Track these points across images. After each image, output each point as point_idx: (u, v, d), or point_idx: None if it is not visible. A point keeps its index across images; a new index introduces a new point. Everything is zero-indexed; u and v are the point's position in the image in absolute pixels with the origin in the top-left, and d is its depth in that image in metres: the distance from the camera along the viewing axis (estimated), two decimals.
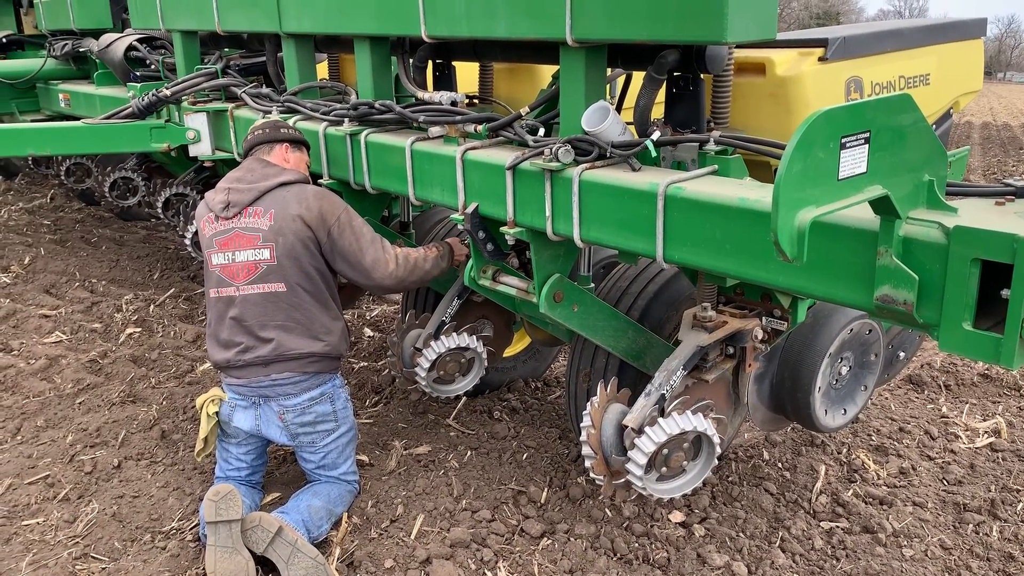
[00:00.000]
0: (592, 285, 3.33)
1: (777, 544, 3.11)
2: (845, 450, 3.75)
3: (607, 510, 3.24)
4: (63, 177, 6.91)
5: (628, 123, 2.60)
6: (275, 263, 3.03)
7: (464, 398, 4.08)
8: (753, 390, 3.00)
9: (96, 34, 5.89)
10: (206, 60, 4.59)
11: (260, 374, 3.08)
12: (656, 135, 2.47)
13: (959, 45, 3.55)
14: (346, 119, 3.34)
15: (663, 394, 2.54)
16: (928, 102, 3.29)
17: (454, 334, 3.44)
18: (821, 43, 2.85)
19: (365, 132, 3.25)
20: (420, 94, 3.27)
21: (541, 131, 2.78)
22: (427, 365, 3.41)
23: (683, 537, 3.11)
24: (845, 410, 3.15)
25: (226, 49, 4.77)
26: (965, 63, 3.64)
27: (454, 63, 3.59)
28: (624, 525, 3.17)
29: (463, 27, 2.78)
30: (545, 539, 3.10)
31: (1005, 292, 1.66)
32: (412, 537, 3.08)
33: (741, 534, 3.15)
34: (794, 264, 1.68)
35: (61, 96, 6.09)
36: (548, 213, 2.54)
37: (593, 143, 2.46)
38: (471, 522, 3.17)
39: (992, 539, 3.17)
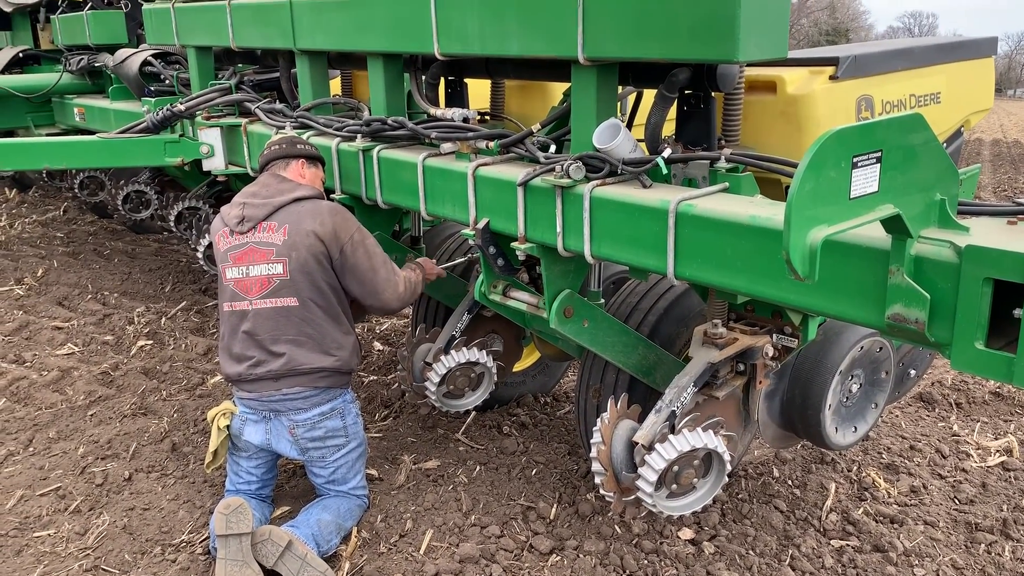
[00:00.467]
0: (602, 301, 3.34)
1: (787, 562, 3.09)
2: (855, 468, 3.74)
3: (616, 527, 3.23)
4: (77, 190, 6.98)
5: (639, 140, 2.61)
6: (288, 278, 3.05)
7: (473, 413, 4.08)
8: (763, 407, 3.00)
9: (111, 49, 5.96)
10: (220, 76, 4.64)
11: (271, 388, 3.09)
12: (667, 152, 2.48)
13: (970, 64, 3.56)
14: (359, 135, 3.37)
15: (674, 411, 2.54)
16: (939, 120, 3.29)
17: (464, 348, 3.45)
18: (832, 62, 2.87)
19: (378, 148, 3.27)
20: (432, 111, 3.29)
21: (552, 148, 2.80)
22: (437, 379, 3.41)
23: (693, 554, 3.10)
24: (855, 428, 3.14)
25: (240, 65, 4.82)
26: (976, 82, 3.64)
27: (466, 80, 3.61)
28: (633, 542, 3.16)
29: (476, 45, 2.81)
30: (554, 555, 3.09)
31: (1017, 311, 1.66)
32: (421, 552, 3.08)
33: (751, 552, 3.14)
34: (806, 282, 1.68)
35: (76, 110, 6.15)
36: (559, 229, 2.55)
37: (604, 160, 2.48)
38: (480, 537, 3.17)
39: (1004, 559, 3.15)
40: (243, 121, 4.16)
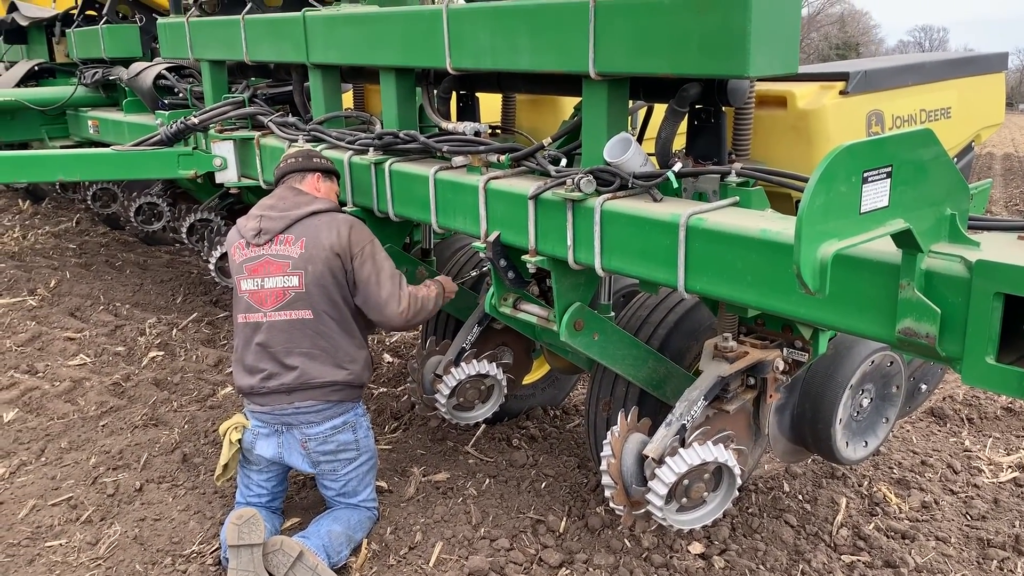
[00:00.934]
0: (612, 314, 3.35)
1: None
2: (866, 483, 3.72)
3: (626, 540, 3.23)
4: (89, 202, 7.03)
5: (650, 154, 2.62)
6: (303, 290, 3.07)
7: (483, 425, 4.09)
8: (774, 421, 3.00)
9: (126, 63, 6.01)
10: (233, 89, 4.67)
11: (283, 402, 3.10)
12: (678, 166, 2.49)
13: (980, 79, 3.57)
14: (371, 148, 3.39)
15: (684, 424, 2.54)
16: (949, 135, 3.30)
17: (474, 361, 3.46)
18: (842, 76, 2.88)
19: (389, 161, 3.29)
20: (444, 124, 3.31)
21: (563, 161, 2.82)
22: (447, 392, 3.42)
23: (703, 568, 3.09)
24: (866, 442, 3.13)
25: (253, 78, 4.86)
26: (986, 97, 3.65)
27: (477, 94, 3.64)
28: (643, 556, 3.15)
29: (488, 60, 2.83)
30: (564, 569, 3.09)
31: None
32: (431, 565, 3.08)
33: (761, 566, 3.13)
34: (816, 296, 1.69)
35: (90, 123, 6.21)
36: (569, 242, 2.57)
37: (615, 174, 2.49)
38: (489, 550, 3.17)
39: (1017, 575, 3.13)
40: (256, 134, 4.19)
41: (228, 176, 4.40)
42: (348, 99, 4.43)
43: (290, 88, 4.44)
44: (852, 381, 2.93)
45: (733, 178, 2.45)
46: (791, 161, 2.78)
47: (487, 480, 3.68)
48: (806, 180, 1.67)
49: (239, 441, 3.17)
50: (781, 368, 2.72)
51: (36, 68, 7.28)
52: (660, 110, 2.72)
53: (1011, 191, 14.54)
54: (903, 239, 1.77)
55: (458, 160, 3.05)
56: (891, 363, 3.05)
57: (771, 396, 2.81)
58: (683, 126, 2.66)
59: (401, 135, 3.31)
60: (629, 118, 2.89)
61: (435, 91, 3.51)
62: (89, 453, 3.89)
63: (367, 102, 4.48)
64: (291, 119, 4.07)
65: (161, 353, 5.13)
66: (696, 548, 3.20)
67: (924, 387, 3.43)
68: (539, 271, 2.82)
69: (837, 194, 1.63)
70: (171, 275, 6.85)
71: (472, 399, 3.53)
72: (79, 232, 8.22)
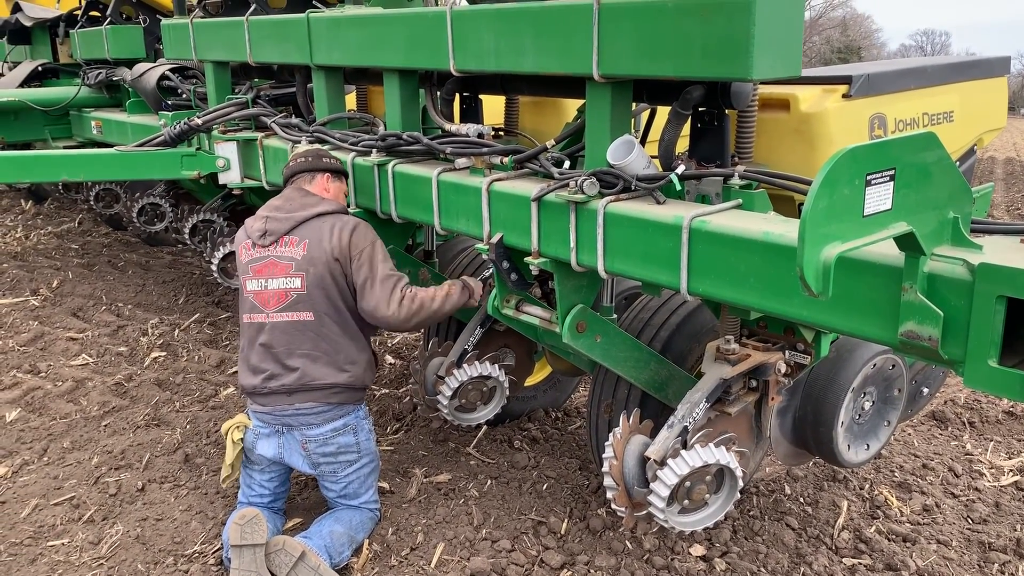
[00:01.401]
0: (615, 316, 3.35)
1: None
2: (868, 486, 3.72)
3: (628, 542, 3.23)
4: (92, 202, 7.04)
5: (653, 157, 2.63)
6: (305, 292, 3.07)
7: (485, 427, 4.09)
8: (776, 424, 3.00)
9: (129, 64, 6.03)
10: (237, 90, 4.69)
11: (284, 403, 3.11)
12: (681, 169, 2.50)
13: (983, 83, 3.57)
14: (374, 149, 3.40)
15: (686, 426, 2.54)
16: (952, 139, 3.30)
17: (476, 362, 3.46)
18: (845, 80, 2.88)
19: (393, 162, 3.30)
20: (447, 126, 3.32)
21: (566, 164, 2.82)
22: (449, 393, 3.43)
23: (704, 571, 3.10)
24: (868, 445, 3.14)
25: (256, 79, 4.87)
26: (989, 101, 3.65)
27: (481, 96, 3.64)
28: (645, 558, 3.16)
29: (491, 62, 2.84)
30: (565, 570, 3.09)
31: None
32: (432, 566, 3.08)
33: (762, 569, 3.13)
34: (819, 299, 1.69)
35: (93, 123, 6.22)
36: (572, 244, 2.57)
37: (618, 176, 2.49)
38: (491, 552, 3.17)
39: None
40: (259, 135, 4.20)
41: (231, 177, 4.41)
42: (351, 100, 4.44)
43: (293, 89, 4.45)
44: (854, 384, 2.93)
45: (736, 181, 2.45)
46: (794, 164, 2.78)
47: (489, 481, 3.68)
48: (809, 183, 1.68)
49: (241, 440, 3.18)
50: (783, 371, 2.73)
51: (40, 69, 7.29)
52: (663, 112, 2.72)
53: (1013, 195, 14.53)
54: (906, 242, 1.78)
55: (461, 162, 3.05)
56: (893, 366, 3.05)
57: (773, 399, 2.81)
58: (686, 129, 2.67)
59: (404, 137, 3.31)
60: (632, 120, 2.89)
61: (438, 93, 3.52)
62: (91, 453, 3.90)
63: (370, 104, 4.49)
64: (294, 120, 4.07)
65: (163, 353, 5.14)
66: (697, 550, 3.20)
67: (926, 390, 3.43)
68: (542, 273, 2.82)
69: (840, 197, 1.63)
70: (173, 276, 6.86)
71: (474, 400, 3.54)
72: (81, 232, 8.23)
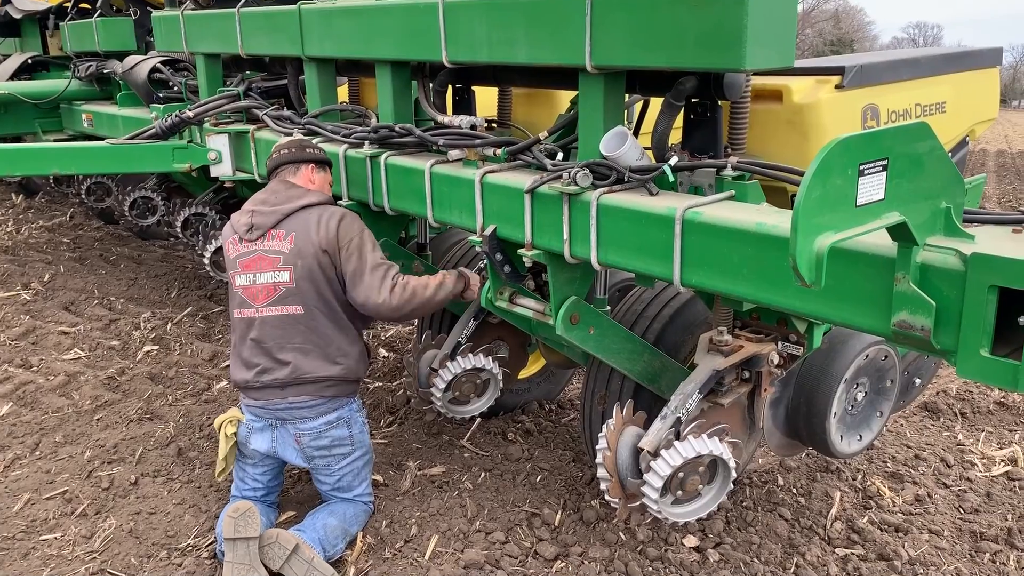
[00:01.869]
0: (608, 308, 3.35)
1: (792, 570, 3.09)
2: (860, 476, 3.74)
3: (621, 533, 3.24)
4: (84, 196, 7.01)
5: (646, 148, 2.63)
6: (294, 285, 3.06)
7: (479, 419, 4.09)
8: (768, 415, 3.01)
9: (120, 56, 5.99)
10: (228, 82, 4.66)
11: (277, 397, 3.10)
12: (674, 160, 2.50)
13: (975, 74, 3.58)
14: (366, 142, 3.39)
15: (679, 417, 2.55)
16: (944, 130, 3.30)
17: (470, 355, 3.46)
18: (838, 71, 2.88)
19: (385, 154, 3.29)
20: (440, 118, 3.31)
21: (559, 155, 2.82)
22: (443, 385, 3.43)
23: (697, 562, 3.11)
24: (860, 436, 3.15)
25: (248, 72, 4.85)
26: (981, 92, 3.66)
27: (473, 87, 3.63)
28: (638, 549, 3.16)
29: (484, 53, 2.83)
30: (559, 562, 3.10)
31: (1022, 319, 1.67)
32: (426, 558, 3.09)
33: (755, 560, 3.14)
34: (812, 289, 1.69)
35: (84, 116, 6.18)
36: (566, 236, 2.57)
37: (611, 167, 2.49)
38: (485, 544, 3.17)
39: (1009, 568, 3.15)
40: (251, 128, 4.18)
41: (223, 170, 4.39)
42: (343, 93, 4.42)
43: (285, 81, 4.43)
44: (847, 375, 2.94)
45: (729, 172, 2.45)
46: (787, 155, 2.78)
47: (483, 474, 3.68)
48: (802, 174, 1.68)
49: (234, 435, 3.17)
50: (776, 362, 2.73)
51: (29, 61, 7.24)
52: (656, 104, 2.72)
53: (1004, 187, 14.59)
54: (898, 232, 1.78)
55: (454, 154, 3.05)
56: (885, 357, 3.06)
57: (766, 390, 2.82)
58: (679, 120, 2.66)
59: (397, 128, 3.30)
60: (625, 112, 2.89)
61: (431, 84, 3.50)
62: (84, 447, 3.89)
63: (362, 96, 4.47)
64: (286, 112, 4.06)
65: (156, 347, 5.12)
66: (691, 541, 3.21)
67: (918, 381, 3.45)
68: (535, 265, 2.82)
69: (833, 187, 1.63)
70: (166, 269, 6.84)
71: (468, 393, 3.54)
72: (73, 226, 8.20)
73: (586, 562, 3.09)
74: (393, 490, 3.55)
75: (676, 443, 2.47)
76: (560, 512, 3.39)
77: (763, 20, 2.09)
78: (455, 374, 3.43)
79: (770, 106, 2.89)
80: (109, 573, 3.03)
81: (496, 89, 3.75)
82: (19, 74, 7.11)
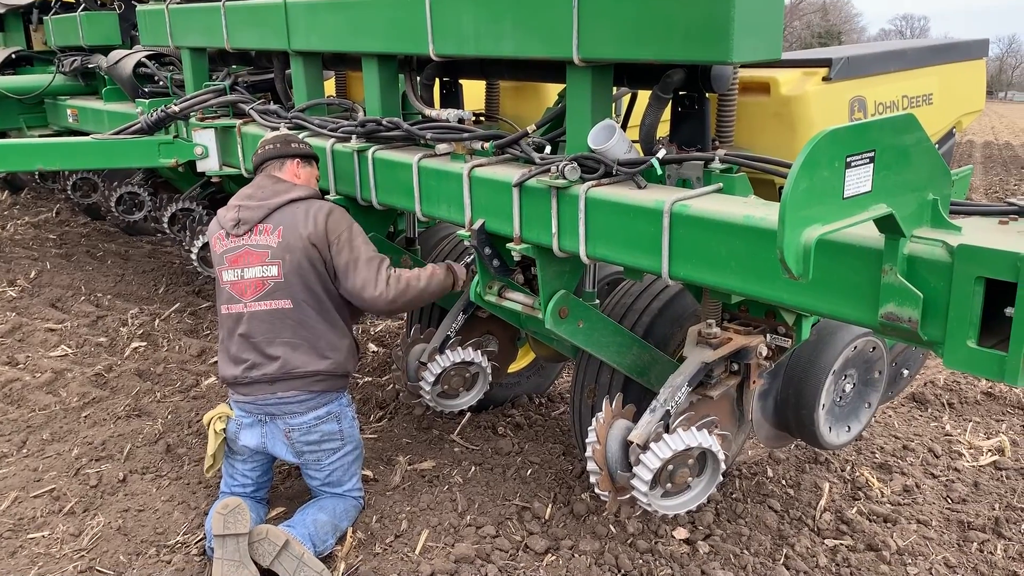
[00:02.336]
0: (597, 301, 3.35)
1: (781, 561, 3.10)
2: (849, 468, 3.75)
3: (611, 526, 3.24)
4: (69, 192, 6.96)
5: (634, 141, 2.62)
6: (282, 280, 3.05)
7: (468, 414, 4.09)
8: (757, 407, 3.01)
9: (105, 50, 5.95)
10: (214, 77, 4.63)
11: (266, 392, 3.09)
12: (662, 153, 2.50)
13: (961, 65, 3.59)
14: (354, 136, 3.37)
15: (668, 410, 2.55)
16: (931, 121, 3.31)
17: (459, 348, 3.46)
18: (825, 63, 2.88)
19: (372, 149, 3.28)
20: (427, 111, 3.30)
21: (547, 149, 2.81)
22: (431, 379, 3.42)
23: (687, 554, 3.12)
24: (849, 427, 3.16)
25: (234, 66, 4.82)
26: (967, 83, 3.67)
27: (461, 81, 3.62)
28: (628, 541, 3.17)
29: (471, 46, 2.82)
30: (549, 555, 3.10)
31: (1009, 310, 1.67)
32: (416, 552, 3.08)
33: (745, 551, 3.15)
34: (799, 281, 1.70)
35: (69, 111, 6.14)
36: (554, 230, 2.56)
37: (599, 161, 2.49)
38: (475, 538, 3.17)
39: (996, 557, 3.17)
40: (237, 122, 4.16)
41: (209, 165, 4.36)
42: (330, 87, 4.40)
43: (272, 76, 4.41)
44: (835, 367, 2.95)
45: (717, 165, 2.45)
46: (774, 147, 2.79)
47: (473, 468, 3.68)
48: (789, 166, 1.68)
49: (223, 431, 3.16)
50: (764, 354, 2.74)
51: (13, 56, 7.18)
52: (644, 97, 2.72)
53: (991, 178, 14.67)
54: (886, 224, 1.78)
55: (442, 147, 3.04)
56: (873, 348, 3.07)
57: (754, 382, 2.82)
58: (667, 113, 2.66)
59: (384, 122, 3.29)
60: (613, 105, 2.88)
61: (418, 78, 3.49)
62: (71, 444, 3.86)
63: (349, 89, 4.45)
64: (273, 107, 4.03)
65: (143, 343, 5.10)
66: (681, 533, 3.22)
67: (906, 372, 3.46)
68: (524, 259, 2.81)
69: (820, 179, 1.63)
70: (153, 265, 6.80)
71: (457, 387, 3.53)
72: (59, 222, 8.14)
73: (576, 555, 3.09)
74: (383, 485, 3.54)
75: (665, 436, 2.47)
76: (550, 505, 3.39)
77: (750, 12, 2.09)
78: (444, 367, 3.42)
79: (758, 98, 2.89)
80: (98, 571, 3.01)
81: (484, 83, 3.74)
82: (3, 69, 7.06)
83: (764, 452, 3.80)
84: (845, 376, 3.05)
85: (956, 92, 3.57)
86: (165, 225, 5.55)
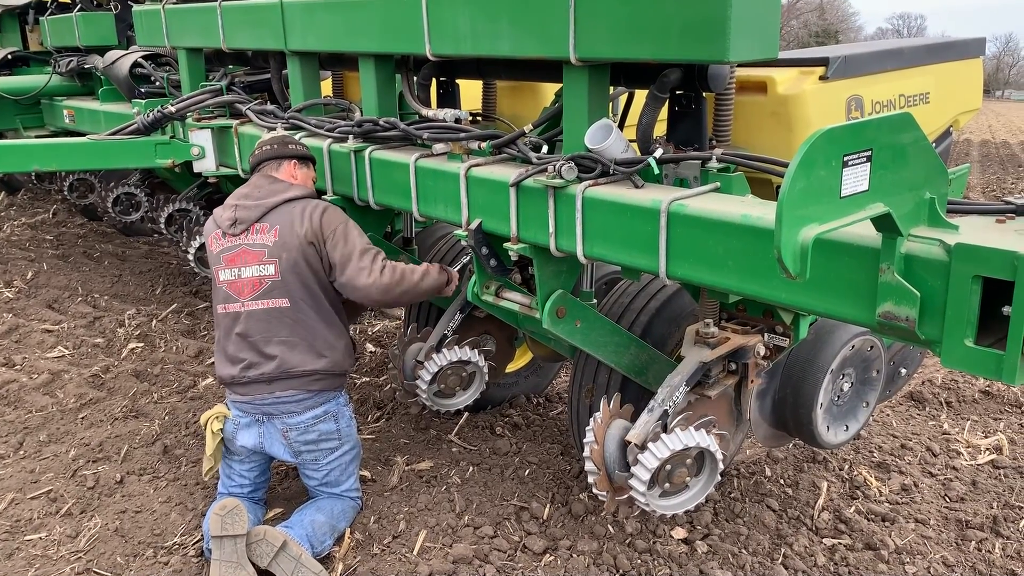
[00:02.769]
0: (595, 301, 3.35)
1: (780, 561, 3.10)
2: (847, 467, 3.75)
3: (609, 526, 3.24)
4: (66, 192, 6.95)
5: (631, 141, 2.62)
6: (279, 279, 3.05)
7: (466, 414, 4.08)
8: (755, 406, 3.01)
9: (101, 51, 5.94)
10: (211, 77, 4.62)
11: (264, 391, 3.09)
12: (659, 152, 2.49)
13: (958, 64, 3.59)
14: (350, 136, 3.37)
15: (666, 410, 2.55)
16: (928, 120, 3.32)
17: (456, 347, 3.45)
18: (822, 62, 2.88)
19: (369, 149, 3.27)
20: (424, 111, 3.29)
21: (544, 148, 2.81)
22: (428, 378, 3.41)
23: (686, 554, 3.11)
24: (847, 426, 3.16)
25: (231, 66, 4.81)
26: (964, 82, 3.67)
27: (458, 81, 3.62)
28: (627, 541, 3.17)
29: (467, 46, 2.81)
30: (548, 555, 3.10)
31: (1006, 309, 1.67)
32: (414, 553, 3.08)
33: (743, 551, 3.15)
34: (797, 281, 1.69)
35: (66, 112, 6.13)
36: (551, 229, 2.56)
37: (596, 160, 2.48)
38: (473, 538, 3.17)
39: (995, 556, 3.17)
40: (234, 122, 4.15)
41: (206, 165, 4.36)
42: (327, 87, 4.39)
43: (268, 76, 4.40)
44: (833, 366, 2.95)
45: (714, 164, 2.45)
46: (771, 147, 2.79)
47: (470, 468, 3.68)
48: (786, 165, 1.68)
49: (221, 431, 3.15)
50: (762, 353, 2.74)
51: (9, 57, 7.17)
52: (641, 96, 2.71)
53: (988, 177, 14.68)
54: (883, 223, 1.78)
55: (439, 147, 3.03)
56: (871, 347, 3.07)
57: (752, 381, 2.82)
58: (664, 112, 2.66)
59: (381, 122, 3.28)
60: (610, 104, 2.88)
61: (415, 78, 3.49)
62: (68, 446, 3.86)
63: (346, 89, 4.45)
64: (270, 107, 4.03)
65: (141, 344, 5.09)
66: (679, 533, 3.21)
67: (904, 371, 3.46)
68: (521, 259, 2.81)
69: (817, 178, 1.63)
70: (150, 266, 6.79)
71: (453, 386, 3.53)
72: (56, 223, 8.13)
73: (575, 555, 3.09)
74: (381, 485, 3.54)
75: (663, 435, 2.47)
76: (548, 506, 3.39)
77: (747, 11, 2.09)
78: (440, 366, 3.42)
79: (755, 98, 2.89)
80: (95, 573, 3.01)
81: (480, 82, 3.74)
82: None
83: (762, 451, 3.80)
84: (843, 375, 3.05)
85: (953, 91, 3.57)
86: (162, 226, 5.54)
